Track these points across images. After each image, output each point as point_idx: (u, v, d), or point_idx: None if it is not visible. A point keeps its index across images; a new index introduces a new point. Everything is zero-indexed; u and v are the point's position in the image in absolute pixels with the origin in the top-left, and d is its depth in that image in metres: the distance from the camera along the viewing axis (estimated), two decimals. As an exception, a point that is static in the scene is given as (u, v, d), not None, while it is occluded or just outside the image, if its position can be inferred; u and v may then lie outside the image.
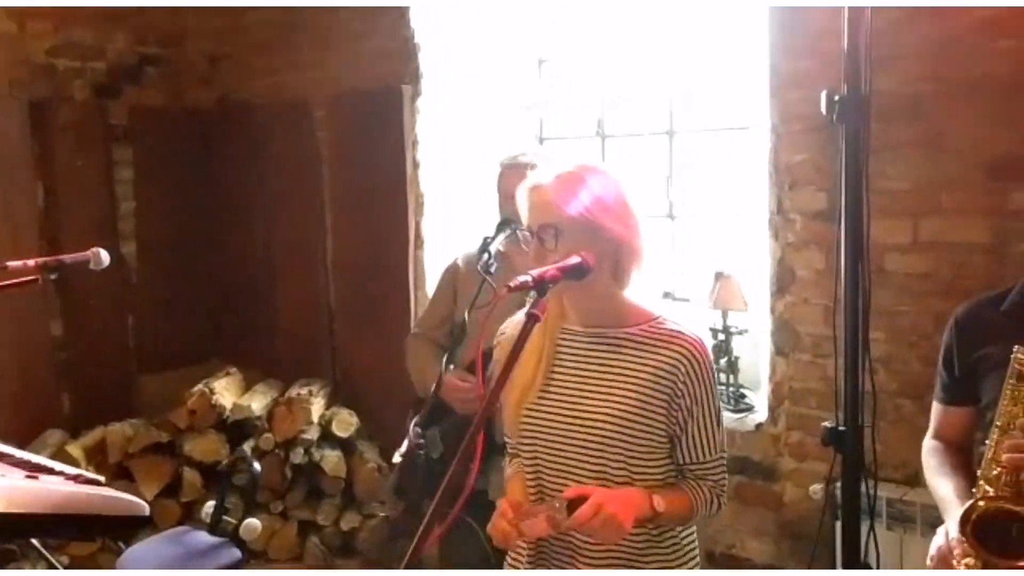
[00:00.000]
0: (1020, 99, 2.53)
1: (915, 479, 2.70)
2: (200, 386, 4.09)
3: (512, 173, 2.69)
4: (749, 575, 3.21)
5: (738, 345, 3.42)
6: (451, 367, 2.47)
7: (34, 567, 3.49)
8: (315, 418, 4.03)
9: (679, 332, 1.70)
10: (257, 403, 4.07)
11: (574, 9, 3.92)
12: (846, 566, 1.94)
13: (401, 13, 3.93)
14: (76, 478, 1.98)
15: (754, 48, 3.17)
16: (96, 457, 3.94)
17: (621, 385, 1.69)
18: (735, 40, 3.51)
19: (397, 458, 2.24)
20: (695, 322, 1.77)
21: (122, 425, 4.05)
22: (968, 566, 1.65)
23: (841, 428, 1.91)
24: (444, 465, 2.63)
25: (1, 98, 4.05)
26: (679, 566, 1.76)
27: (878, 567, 2.03)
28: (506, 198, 2.69)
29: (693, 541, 1.81)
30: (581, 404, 1.71)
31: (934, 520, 1.92)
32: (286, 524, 4.01)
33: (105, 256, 2.34)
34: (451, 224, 4.08)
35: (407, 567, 1.30)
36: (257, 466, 2.85)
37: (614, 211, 1.68)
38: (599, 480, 1.67)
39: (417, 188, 4.03)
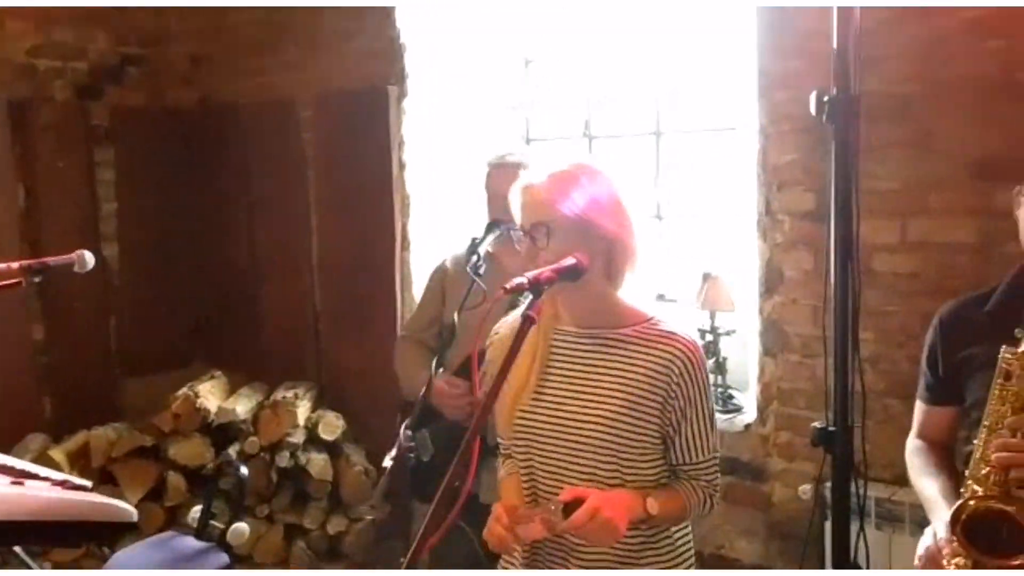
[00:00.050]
0: (1007, 99, 2.54)
1: (903, 479, 2.69)
2: (184, 389, 4.06)
3: (500, 173, 2.68)
4: (743, 575, 3.21)
5: (726, 346, 3.42)
6: (440, 371, 2.46)
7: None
8: (301, 421, 4.00)
9: (673, 333, 1.69)
10: (242, 406, 4.04)
11: (560, 9, 3.91)
12: (836, 566, 1.94)
13: (387, 13, 3.91)
14: (62, 484, 1.95)
15: (742, 48, 3.16)
16: (79, 461, 3.89)
17: (615, 386, 1.68)
18: (723, 40, 3.52)
19: (388, 461, 2.22)
20: (684, 323, 1.77)
21: (105, 429, 4.01)
22: (958, 566, 1.65)
23: (831, 428, 1.91)
24: (435, 468, 2.62)
25: (-19, 99, 4.02)
26: (674, 566, 1.76)
27: (868, 567, 2.03)
28: (494, 198, 2.68)
29: (688, 541, 1.81)
30: (575, 405, 1.70)
31: (922, 520, 1.92)
32: (272, 528, 3.98)
33: (90, 258, 2.31)
34: (437, 225, 4.07)
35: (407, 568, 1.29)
36: (244, 470, 2.82)
37: (607, 209, 1.67)
38: (592, 481, 1.66)
39: (403, 189, 4.01)
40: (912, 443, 2.07)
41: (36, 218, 4.18)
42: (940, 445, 2.02)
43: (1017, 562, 1.57)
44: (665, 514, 1.67)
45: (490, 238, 2.58)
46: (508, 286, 1.48)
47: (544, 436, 1.72)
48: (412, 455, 2.21)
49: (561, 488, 1.66)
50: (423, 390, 2.39)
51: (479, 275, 2.45)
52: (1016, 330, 1.69)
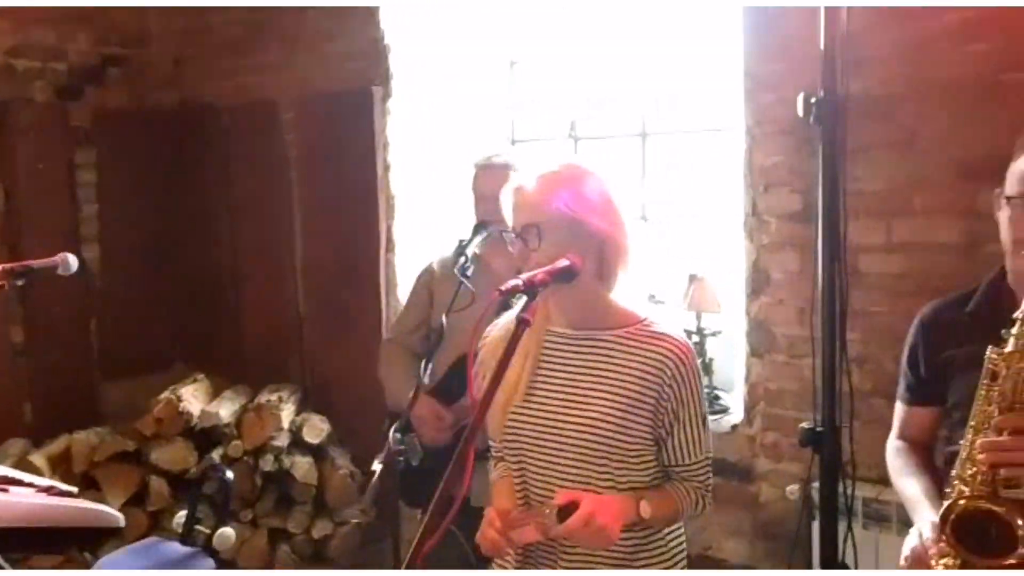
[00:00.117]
0: (991, 101, 2.56)
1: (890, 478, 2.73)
2: (167, 393, 4.01)
3: (486, 174, 2.68)
4: (735, 575, 3.21)
5: (712, 347, 3.43)
6: (427, 376, 2.44)
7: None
8: (285, 424, 3.97)
9: (666, 334, 1.69)
10: (225, 410, 4.00)
11: (546, 10, 3.91)
12: (824, 566, 1.95)
13: (371, 14, 3.89)
14: (48, 490, 1.93)
15: (728, 50, 3.17)
16: (60, 466, 3.85)
17: (607, 387, 1.68)
18: (708, 42, 3.53)
19: (376, 465, 2.20)
20: (677, 324, 1.77)
21: (87, 433, 3.96)
22: (946, 566, 1.65)
23: (819, 429, 1.92)
24: (423, 472, 2.61)
25: (-41, 99, 3.97)
26: (667, 567, 1.76)
27: (856, 567, 2.04)
28: (480, 199, 2.68)
29: (681, 543, 1.81)
30: (567, 406, 1.69)
31: (909, 519, 1.93)
32: (256, 532, 3.94)
33: (74, 261, 2.29)
34: (423, 227, 4.05)
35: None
36: (230, 474, 2.79)
37: (598, 209, 1.67)
38: (584, 482, 1.66)
39: (388, 191, 3.99)
40: (893, 444, 2.08)
41: (16, 220, 4.13)
42: (921, 446, 2.03)
43: (1007, 562, 1.57)
44: (658, 516, 1.67)
45: (477, 240, 2.58)
46: (503, 288, 1.47)
47: (536, 438, 1.71)
48: (401, 458, 2.19)
49: (553, 490, 1.66)
50: (410, 400, 2.38)
51: (467, 277, 2.45)
52: (1003, 331, 1.69)
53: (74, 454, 3.90)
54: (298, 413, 4.12)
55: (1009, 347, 1.66)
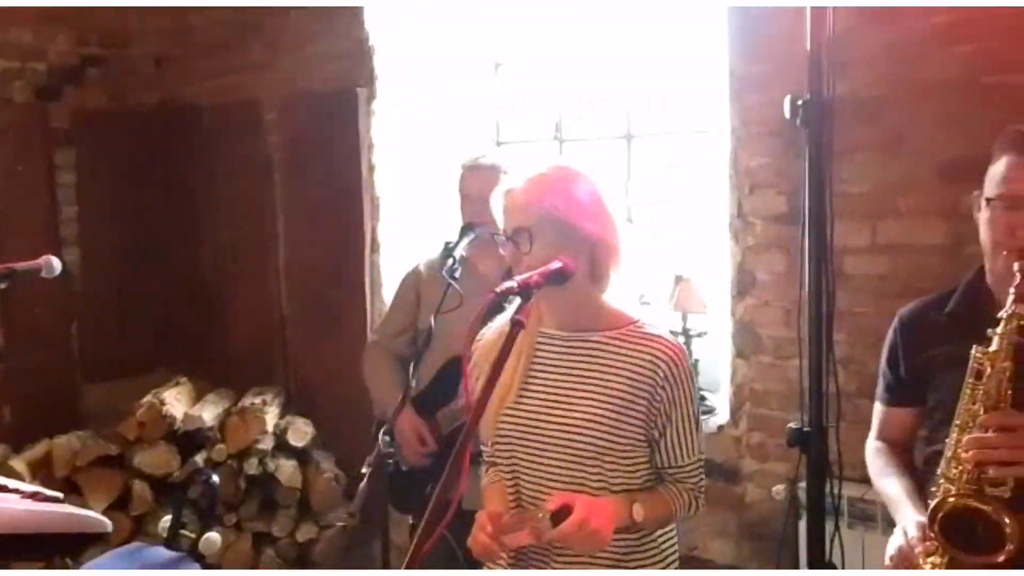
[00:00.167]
0: (975, 103, 2.58)
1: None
2: (149, 396, 3.98)
3: (473, 175, 2.67)
4: (727, 575, 3.22)
5: (698, 348, 3.44)
6: (414, 380, 2.44)
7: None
8: (270, 427, 3.95)
9: (658, 336, 1.70)
10: (209, 413, 3.97)
11: (531, 11, 3.91)
12: (811, 565, 1.96)
13: (355, 14, 3.88)
14: (34, 496, 1.90)
15: (713, 52, 3.18)
16: (41, 471, 3.80)
17: (600, 389, 1.68)
18: (694, 44, 3.53)
19: (366, 468, 2.19)
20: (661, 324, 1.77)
21: (68, 437, 3.92)
22: (934, 565, 1.66)
23: (806, 429, 1.93)
24: (412, 476, 2.61)
25: (-63, 100, 3.92)
26: (659, 568, 1.76)
27: (843, 566, 2.04)
28: (467, 200, 2.68)
29: (674, 544, 1.81)
30: (559, 408, 1.69)
31: (894, 519, 1.94)
32: (240, 536, 3.92)
33: (57, 264, 2.27)
34: (408, 228, 4.04)
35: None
36: (215, 478, 2.77)
37: (589, 211, 1.67)
38: (577, 485, 1.66)
39: (373, 192, 3.98)
40: (872, 444, 2.08)
41: (-6, 222, 4.09)
42: (900, 446, 2.04)
43: (996, 559, 1.58)
44: (652, 519, 1.67)
45: (464, 242, 2.57)
46: (498, 290, 1.47)
47: (528, 440, 1.71)
48: (391, 461, 2.18)
49: (546, 492, 1.65)
50: (397, 406, 2.38)
51: (455, 278, 2.44)
52: (988, 330, 1.70)
53: (55, 458, 3.86)
54: (282, 416, 4.10)
55: (994, 346, 1.68)
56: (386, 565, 2.30)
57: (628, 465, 1.69)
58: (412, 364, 2.35)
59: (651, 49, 3.71)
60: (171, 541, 2.63)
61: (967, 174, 2.61)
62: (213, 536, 2.61)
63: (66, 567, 2.65)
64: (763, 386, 3.09)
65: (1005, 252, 1.73)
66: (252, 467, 3.86)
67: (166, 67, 4.59)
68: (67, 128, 4.39)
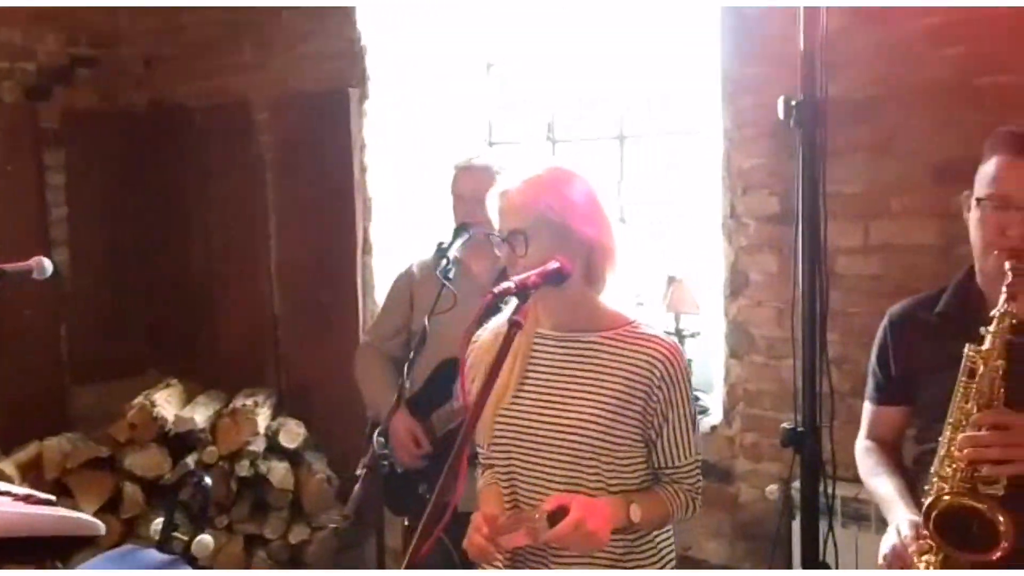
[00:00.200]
0: (967, 104, 2.59)
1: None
2: (140, 398, 3.96)
3: (466, 175, 2.67)
4: (723, 575, 3.22)
5: (691, 348, 3.44)
6: (411, 378, 2.43)
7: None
8: (261, 429, 3.93)
9: (654, 336, 1.70)
10: (200, 415, 3.96)
11: (523, 12, 3.90)
12: (806, 565, 1.96)
13: (347, 14, 3.87)
14: (26, 499, 1.89)
15: (706, 53, 3.19)
16: (31, 473, 3.79)
17: (596, 390, 1.68)
18: (687, 45, 3.54)
19: (361, 469, 2.19)
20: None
21: (59, 440, 3.90)
22: (928, 564, 1.66)
23: (800, 429, 1.93)
24: (406, 478, 2.60)
25: (-74, 100, 3.90)
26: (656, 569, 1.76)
27: (836, 565, 2.05)
28: (460, 200, 2.67)
29: (671, 545, 1.81)
30: (556, 409, 1.69)
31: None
32: (232, 539, 3.90)
33: (48, 265, 2.26)
34: (400, 229, 4.03)
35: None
36: (208, 480, 2.75)
37: (585, 213, 1.67)
38: (574, 486, 1.66)
39: (365, 193, 3.97)
40: (862, 443, 2.09)
41: (-17, 223, 4.06)
42: (890, 446, 2.04)
43: (990, 557, 1.59)
44: (649, 520, 1.67)
45: (458, 242, 2.57)
46: (496, 290, 1.47)
47: (525, 441, 1.71)
48: (385, 463, 2.18)
49: (543, 493, 1.65)
50: (391, 408, 2.37)
51: (449, 279, 2.44)
52: (981, 328, 1.71)
53: (45, 461, 3.84)
54: (274, 417, 4.09)
55: (987, 344, 1.68)
56: (381, 567, 2.29)
57: (625, 466, 1.69)
58: (406, 365, 2.34)
59: (644, 50, 3.71)
60: (163, 543, 2.61)
61: (959, 175, 2.62)
62: (206, 538, 2.59)
63: (54, 567, 2.63)
64: (756, 386, 3.10)
65: (996, 251, 1.74)
66: (244, 469, 3.85)
67: (156, 67, 4.57)
68: (57, 128, 4.37)
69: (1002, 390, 1.67)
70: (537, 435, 1.69)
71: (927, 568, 1.65)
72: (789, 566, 2.75)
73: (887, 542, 1.77)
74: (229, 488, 3.85)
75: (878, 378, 2.04)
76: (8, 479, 3.52)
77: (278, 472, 3.89)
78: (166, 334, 4.65)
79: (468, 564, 1.84)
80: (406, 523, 2.77)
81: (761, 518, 3.10)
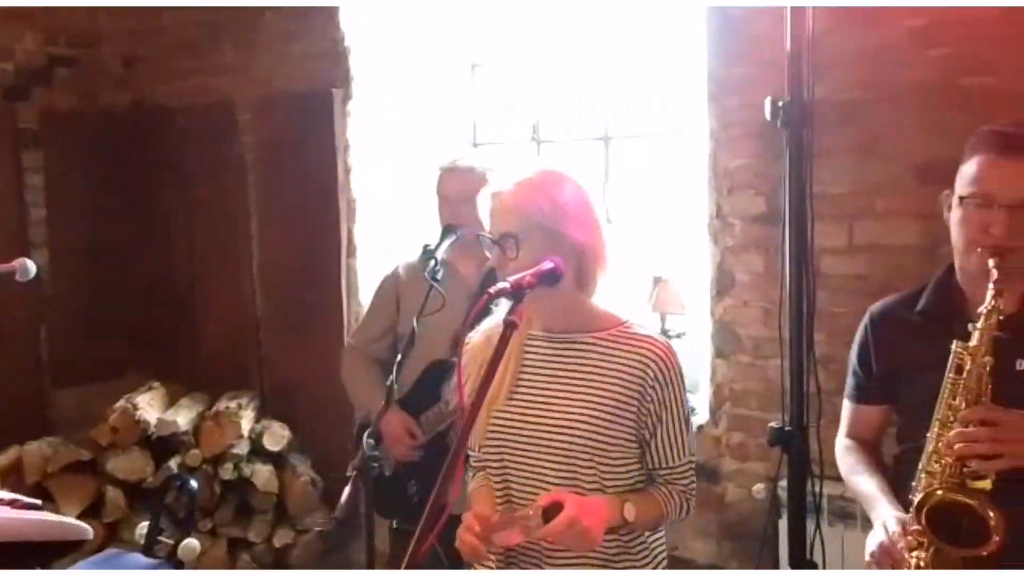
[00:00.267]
0: (951, 105, 2.62)
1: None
2: (122, 401, 3.92)
3: (451, 177, 2.66)
4: (719, 575, 3.23)
5: (677, 348, 3.44)
6: (399, 380, 2.42)
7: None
8: (245, 432, 3.91)
9: (647, 336, 1.70)
10: (183, 418, 3.92)
11: (508, 13, 3.90)
12: (793, 563, 1.97)
13: (330, 15, 3.85)
14: (11, 503, 1.86)
15: (692, 54, 3.20)
16: (10, 477, 3.74)
17: (589, 390, 1.67)
18: (673, 46, 3.55)
19: (351, 472, 2.17)
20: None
21: (39, 443, 3.85)
22: (918, 559, 1.67)
23: (787, 428, 1.94)
24: (396, 481, 2.59)
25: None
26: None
27: (824, 563, 2.06)
28: (445, 201, 2.67)
29: (662, 545, 1.81)
30: (550, 410, 1.69)
31: (874, 515, 1.95)
32: (215, 542, 3.87)
33: (32, 266, 2.24)
34: (385, 231, 4.01)
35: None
36: (194, 484, 2.73)
37: (576, 217, 1.67)
38: (570, 487, 1.65)
39: (349, 194, 3.95)
40: (843, 442, 2.09)
41: (-40, 225, 4.01)
42: (870, 444, 2.05)
43: (981, 552, 1.60)
44: (643, 519, 1.67)
45: (446, 243, 2.56)
46: (492, 290, 1.46)
47: (519, 443, 1.70)
48: (376, 465, 2.17)
49: (537, 495, 1.65)
50: (382, 407, 2.36)
51: (437, 281, 2.43)
52: (969, 325, 1.72)
53: (26, 465, 3.80)
54: (258, 420, 4.06)
55: (974, 340, 1.69)
56: (370, 568, 2.28)
57: (620, 466, 1.69)
58: (395, 367, 2.33)
59: (630, 50, 3.72)
60: (149, 548, 2.59)
61: (943, 175, 2.64)
62: (192, 542, 2.57)
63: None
64: (743, 386, 3.11)
65: (979, 249, 1.74)
66: (227, 472, 3.82)
67: (137, 67, 4.53)
68: (35, 129, 4.32)
69: (989, 386, 1.68)
70: (531, 437, 1.69)
71: (917, 564, 1.65)
72: (776, 565, 2.77)
73: (873, 540, 1.77)
74: (213, 491, 3.82)
75: (859, 377, 2.04)
76: (-13, 484, 3.48)
77: (262, 475, 3.86)
78: (147, 336, 4.61)
79: (456, 565, 1.83)
80: (394, 526, 2.76)
81: (747, 517, 3.12)
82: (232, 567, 3.88)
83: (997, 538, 1.57)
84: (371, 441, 2.17)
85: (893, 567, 1.69)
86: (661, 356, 1.67)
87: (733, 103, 2.98)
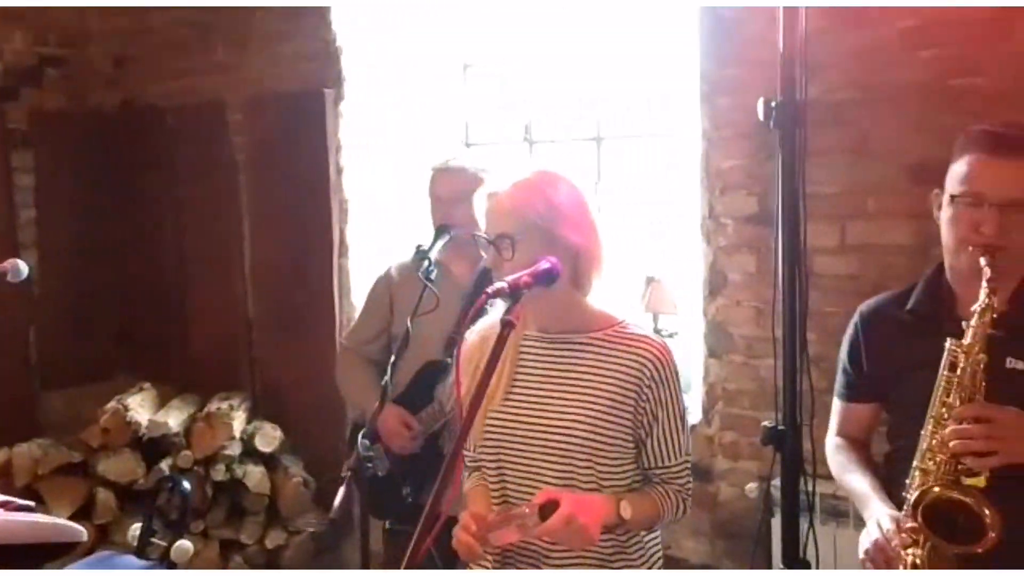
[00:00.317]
0: (941, 106, 2.63)
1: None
2: (113, 403, 3.90)
3: (443, 177, 2.67)
4: (713, 575, 3.23)
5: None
6: (393, 380, 2.42)
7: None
8: (237, 433, 3.89)
9: (643, 336, 1.70)
10: (174, 419, 3.90)
11: (500, 13, 3.90)
12: (786, 562, 1.97)
13: (322, 15, 3.84)
14: (5, 505, 1.85)
15: (684, 54, 3.21)
16: (0, 480, 3.71)
17: (586, 389, 1.68)
18: (666, 46, 3.55)
19: (346, 472, 2.17)
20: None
21: (29, 445, 3.83)
22: (916, 559, 1.67)
23: (780, 428, 1.94)
24: (390, 481, 2.58)
25: None
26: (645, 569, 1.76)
27: (817, 562, 2.06)
28: (437, 202, 2.67)
29: (657, 545, 1.82)
30: (547, 410, 1.69)
31: (866, 513, 1.96)
32: (207, 544, 3.85)
33: (24, 267, 2.23)
34: (377, 231, 4.01)
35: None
36: (187, 485, 2.71)
37: (571, 219, 1.67)
38: (567, 486, 1.66)
39: (341, 194, 3.95)
40: (833, 441, 2.10)
41: (-51, 226, 3.99)
42: (860, 443, 2.06)
43: (976, 548, 1.61)
44: (639, 518, 1.67)
45: (439, 244, 2.56)
46: (490, 290, 1.47)
47: (516, 441, 1.71)
48: (370, 465, 2.16)
49: (534, 494, 1.64)
50: (376, 408, 2.36)
51: (431, 281, 2.43)
52: (963, 322, 1.73)
53: (16, 467, 3.77)
54: (249, 421, 4.05)
55: (968, 338, 1.70)
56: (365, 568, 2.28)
57: (617, 465, 1.69)
58: (389, 368, 2.33)
59: (622, 51, 3.73)
60: (142, 550, 2.57)
61: (935, 175, 2.65)
62: (186, 544, 2.55)
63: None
64: (735, 385, 3.12)
65: (971, 248, 1.75)
66: (219, 473, 3.81)
67: (127, 67, 4.51)
68: (25, 129, 4.30)
69: (983, 384, 1.69)
70: (528, 437, 1.69)
71: (913, 561, 1.66)
72: (769, 563, 2.77)
73: (867, 537, 1.77)
74: (204, 493, 3.80)
75: (849, 375, 2.05)
76: (-23, 486, 3.46)
77: (254, 476, 3.85)
78: (137, 337, 4.59)
79: (450, 565, 1.83)
80: (387, 526, 2.76)
81: (740, 516, 3.12)
82: (224, 569, 3.87)
83: (993, 535, 1.58)
84: (366, 442, 2.17)
85: (887, 565, 1.70)
86: (658, 355, 1.68)
87: (725, 104, 2.99)
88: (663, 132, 3.68)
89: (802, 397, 1.90)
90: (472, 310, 1.52)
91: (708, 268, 3.13)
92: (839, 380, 2.09)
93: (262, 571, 3.88)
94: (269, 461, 3.95)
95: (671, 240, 3.65)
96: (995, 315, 1.70)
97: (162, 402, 4.13)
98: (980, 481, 1.65)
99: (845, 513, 2.79)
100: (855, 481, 1.95)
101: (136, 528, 2.67)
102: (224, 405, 3.97)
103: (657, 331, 3.43)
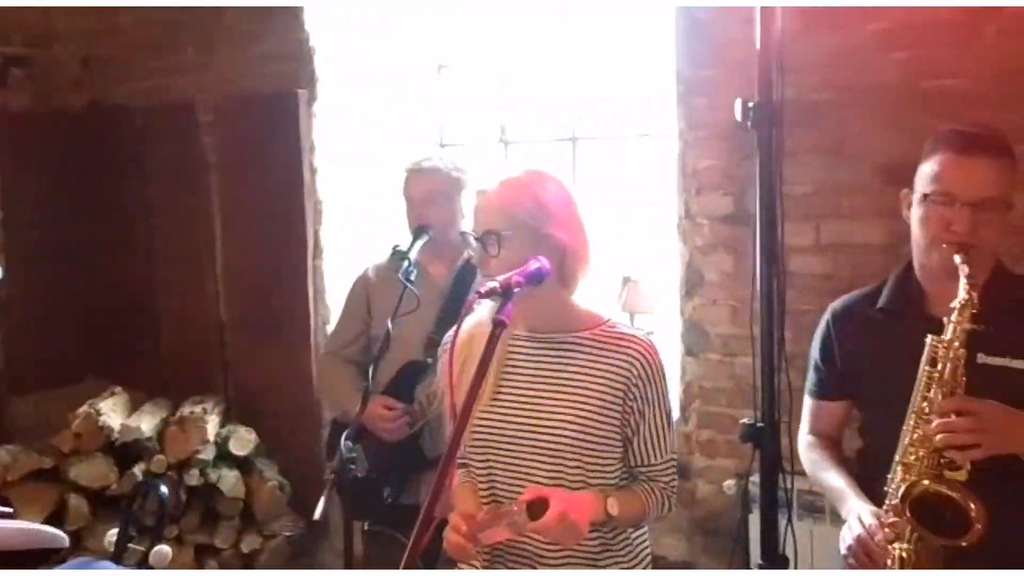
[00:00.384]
0: (913, 107, 2.68)
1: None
2: (85, 407, 3.83)
3: (416, 178, 2.67)
4: (705, 575, 3.25)
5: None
6: (374, 381, 2.41)
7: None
8: (211, 436, 3.85)
9: (630, 335, 1.72)
10: (147, 423, 3.85)
11: (475, 13, 3.90)
12: (765, 558, 1.99)
13: (295, 15, 3.81)
14: (-15, 512, 1.82)
15: (660, 55, 3.23)
16: (-32, 486, 3.65)
17: (574, 389, 1.69)
18: (641, 47, 3.58)
19: (329, 474, 2.16)
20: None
21: (-1, 451, 3.77)
22: (903, 552, 1.68)
23: (759, 425, 1.96)
24: (371, 483, 2.57)
25: None
26: (632, 567, 1.77)
27: (795, 558, 2.08)
28: (411, 202, 2.67)
29: (645, 542, 1.83)
30: (535, 409, 1.70)
31: (843, 509, 1.98)
32: (182, 549, 3.81)
33: (-1, 271, 2.18)
34: (352, 232, 3.99)
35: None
36: (164, 490, 2.68)
37: (558, 218, 1.69)
38: (556, 484, 1.66)
39: (315, 195, 3.92)
40: (805, 438, 2.12)
41: (-87, 230, 3.91)
42: (832, 440, 2.08)
43: (962, 541, 1.63)
44: (625, 515, 1.68)
45: (418, 244, 2.56)
46: (482, 290, 1.47)
47: (504, 440, 1.71)
48: (353, 466, 2.15)
49: (522, 492, 1.65)
50: (359, 408, 2.35)
51: (411, 281, 2.43)
52: (944, 318, 1.75)
53: (-15, 473, 3.71)
54: (223, 425, 4.00)
55: (948, 333, 1.72)
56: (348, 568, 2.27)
57: (605, 463, 1.70)
58: (371, 369, 2.32)
59: (598, 52, 3.74)
60: (119, 556, 2.54)
61: (908, 175, 2.70)
62: (164, 549, 2.51)
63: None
64: (712, 383, 3.15)
65: (944, 245, 1.78)
66: (193, 478, 3.76)
67: (94, 67, 4.44)
68: (-11, 131, 4.22)
69: (963, 378, 1.71)
70: (517, 437, 1.70)
71: (900, 555, 1.68)
72: (747, 560, 2.80)
73: (849, 533, 1.78)
74: (178, 497, 3.76)
75: (821, 372, 2.07)
76: (-55, 493, 3.39)
77: (228, 480, 3.81)
78: (107, 341, 4.51)
79: (432, 565, 1.83)
80: (365, 527, 2.74)
81: (718, 513, 3.15)
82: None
83: (979, 527, 1.61)
84: (349, 443, 2.16)
85: (871, 559, 1.71)
86: (645, 354, 1.69)
87: (701, 104, 3.01)
88: (639, 133, 3.70)
89: (780, 394, 1.92)
90: (463, 311, 1.52)
91: (685, 267, 3.15)
92: (810, 378, 2.11)
93: (241, 571, 3.84)
94: (243, 465, 3.91)
95: (648, 240, 3.67)
96: (975, 311, 1.72)
97: (134, 406, 4.08)
98: (962, 475, 1.68)
99: (821, 509, 2.82)
100: (830, 478, 1.97)
101: (112, 534, 2.63)
102: (197, 409, 3.92)
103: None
